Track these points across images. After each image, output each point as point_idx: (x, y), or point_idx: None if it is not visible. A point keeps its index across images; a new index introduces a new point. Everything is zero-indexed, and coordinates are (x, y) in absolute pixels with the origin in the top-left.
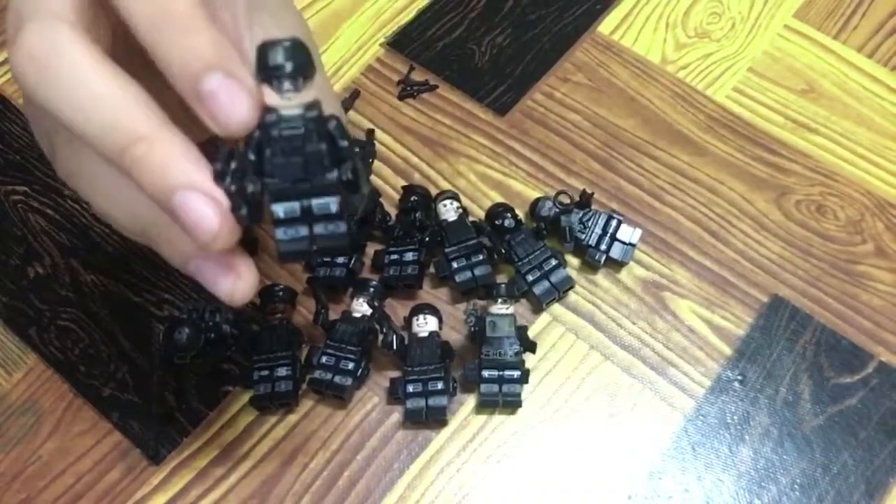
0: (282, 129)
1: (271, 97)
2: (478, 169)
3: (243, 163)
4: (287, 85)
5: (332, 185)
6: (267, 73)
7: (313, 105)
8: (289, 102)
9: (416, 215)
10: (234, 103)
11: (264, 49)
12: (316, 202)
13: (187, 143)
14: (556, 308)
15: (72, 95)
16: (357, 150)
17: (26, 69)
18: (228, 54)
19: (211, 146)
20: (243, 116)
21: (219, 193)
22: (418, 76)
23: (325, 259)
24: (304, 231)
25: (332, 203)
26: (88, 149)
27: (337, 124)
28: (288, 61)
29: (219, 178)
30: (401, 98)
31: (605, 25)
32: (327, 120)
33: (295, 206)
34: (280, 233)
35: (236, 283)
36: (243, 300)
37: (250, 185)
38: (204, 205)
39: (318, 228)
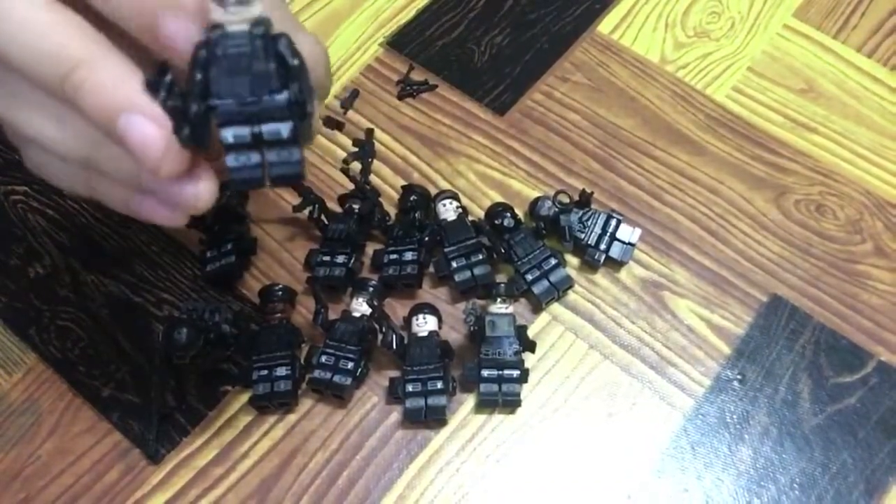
0: (227, 47)
1: (217, 12)
2: (477, 168)
3: (189, 84)
4: None
5: (281, 108)
6: None
7: (261, 21)
8: (234, 17)
9: (416, 215)
10: (170, 19)
11: None
12: (266, 128)
13: (130, 66)
14: (556, 307)
15: (8, 25)
16: (303, 69)
17: None
18: None
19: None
20: (180, 32)
21: (164, 117)
22: (417, 76)
23: (324, 258)
24: (255, 158)
25: (282, 128)
26: (25, 86)
27: (287, 42)
28: None
29: (151, 88)
30: (400, 98)
31: (605, 25)
32: (276, 38)
33: (244, 131)
34: (231, 159)
35: (197, 187)
36: (204, 207)
37: (193, 105)
38: (149, 125)
39: (271, 156)
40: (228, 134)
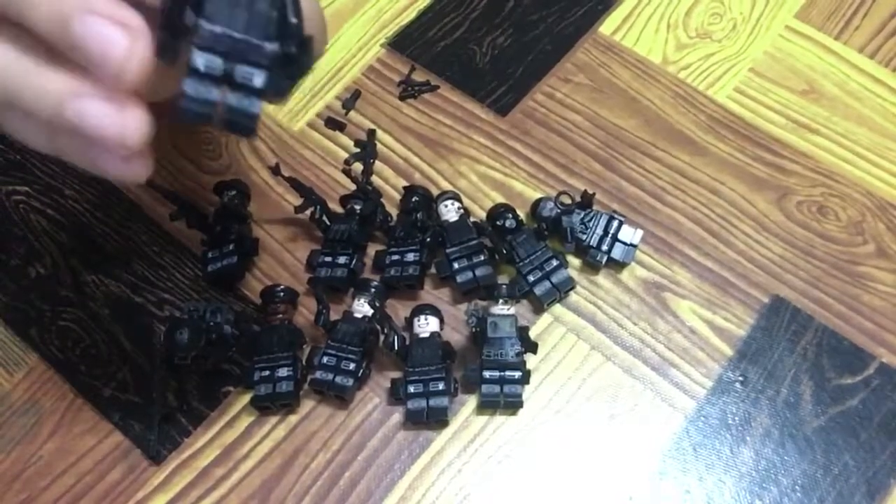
0: None
1: None
2: (479, 169)
3: None
4: None
5: (265, 57)
6: None
7: None
8: None
9: (418, 216)
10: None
11: None
12: (241, 69)
13: None
14: (558, 309)
15: None
16: (304, 36)
17: None
18: None
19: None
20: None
21: (130, 18)
22: (419, 76)
23: (326, 259)
24: (214, 94)
25: (257, 76)
26: None
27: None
28: None
29: None
30: (402, 98)
31: (607, 26)
32: None
33: (217, 61)
34: (189, 85)
35: (126, 119)
36: (136, 145)
37: (187, 15)
38: (111, 28)
39: (231, 98)
40: (200, 59)
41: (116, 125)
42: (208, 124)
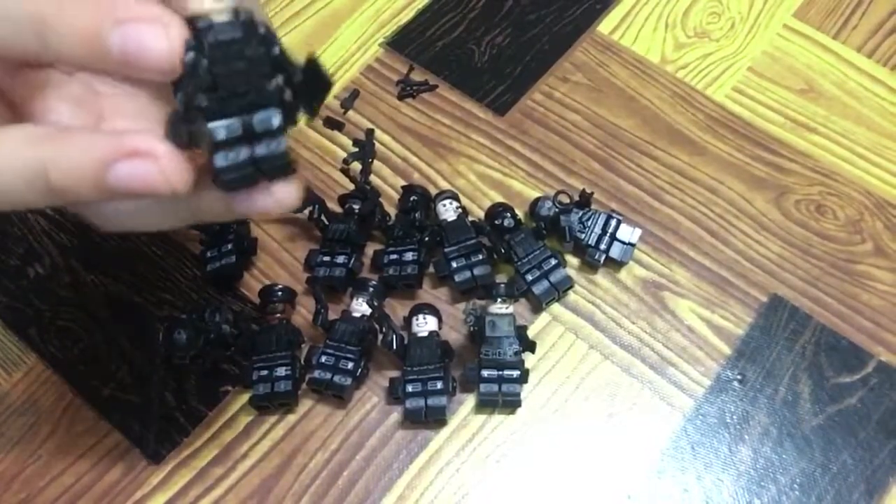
0: (218, 35)
1: (196, 3)
2: (477, 169)
3: (190, 80)
4: None
5: (273, 95)
6: None
7: (241, 9)
8: (221, 6)
9: (416, 215)
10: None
11: None
12: (258, 117)
13: None
14: (556, 308)
15: None
16: (295, 68)
17: None
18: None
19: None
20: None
21: (155, 10)
22: (418, 76)
23: (324, 258)
24: (245, 153)
25: (273, 116)
26: None
27: (267, 29)
28: None
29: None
30: (400, 98)
31: (605, 25)
32: (257, 24)
33: (235, 123)
34: (220, 159)
35: (168, 167)
36: (185, 187)
37: (199, 99)
38: (145, 27)
39: (260, 149)
40: (222, 129)
41: (161, 175)
42: (255, 183)
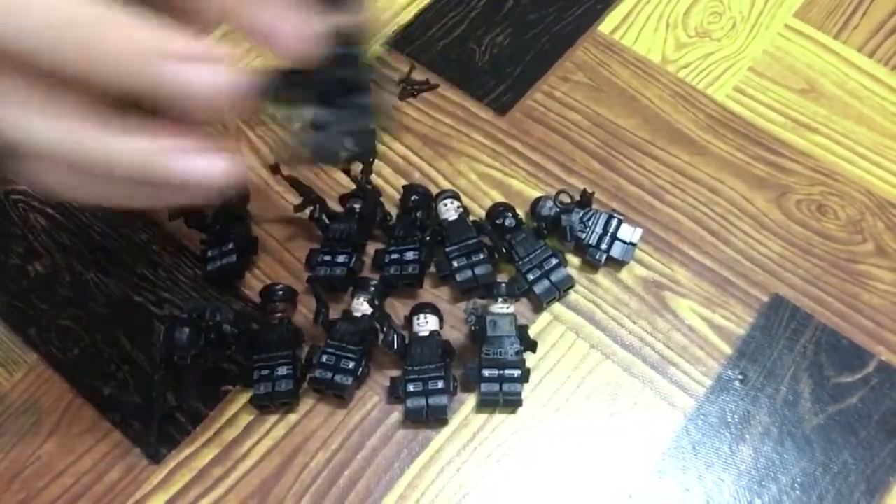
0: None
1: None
2: (478, 168)
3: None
4: None
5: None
6: None
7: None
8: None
9: (417, 214)
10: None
11: None
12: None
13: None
14: (557, 307)
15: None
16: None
17: None
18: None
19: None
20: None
21: (205, 49)
22: (419, 75)
23: (325, 258)
24: (333, 131)
25: (362, 98)
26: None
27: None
28: None
29: None
30: (401, 97)
31: (606, 25)
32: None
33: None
34: (311, 136)
35: (214, 161)
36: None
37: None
38: (193, 68)
39: (346, 125)
40: (320, 114)
41: (209, 169)
42: (338, 161)
